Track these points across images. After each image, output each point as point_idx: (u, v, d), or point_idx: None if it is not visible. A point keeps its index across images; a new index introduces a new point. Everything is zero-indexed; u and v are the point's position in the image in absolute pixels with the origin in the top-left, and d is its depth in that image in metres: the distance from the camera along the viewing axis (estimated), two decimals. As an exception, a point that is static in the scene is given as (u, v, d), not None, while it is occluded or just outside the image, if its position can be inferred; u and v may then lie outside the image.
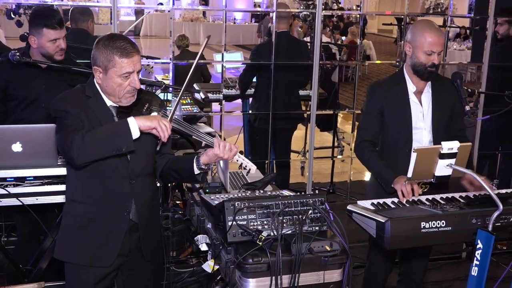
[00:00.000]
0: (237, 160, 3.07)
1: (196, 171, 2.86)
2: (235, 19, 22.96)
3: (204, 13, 22.53)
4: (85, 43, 4.86)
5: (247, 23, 22.55)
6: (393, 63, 7.46)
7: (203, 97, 5.87)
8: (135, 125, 2.57)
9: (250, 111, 5.92)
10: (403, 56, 3.94)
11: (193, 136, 3.00)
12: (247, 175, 3.28)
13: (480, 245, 2.75)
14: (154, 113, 2.87)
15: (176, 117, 2.95)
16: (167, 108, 3.08)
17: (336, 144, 7.41)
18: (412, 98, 3.42)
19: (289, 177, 5.90)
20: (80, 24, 5.20)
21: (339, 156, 7.52)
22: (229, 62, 6.37)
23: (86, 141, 2.56)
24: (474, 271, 2.79)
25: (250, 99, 6.06)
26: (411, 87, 3.42)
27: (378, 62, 13.52)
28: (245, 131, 6.14)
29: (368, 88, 3.57)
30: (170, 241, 4.25)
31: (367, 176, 7.24)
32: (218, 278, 3.97)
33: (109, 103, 2.82)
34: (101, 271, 2.90)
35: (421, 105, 3.42)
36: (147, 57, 4.68)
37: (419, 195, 3.15)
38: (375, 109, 3.45)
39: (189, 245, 4.65)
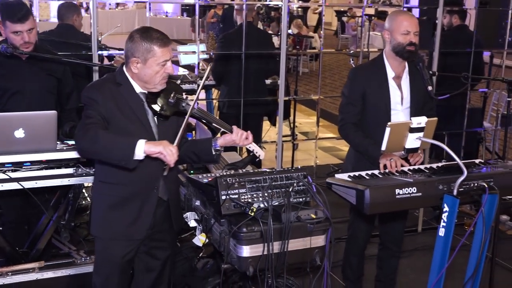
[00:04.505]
0: (249, 147, 3.29)
1: (213, 152, 3.17)
2: (166, 12, 22.80)
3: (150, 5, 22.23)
4: (71, 38, 5.02)
5: (179, 17, 22.41)
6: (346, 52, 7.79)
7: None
8: (141, 148, 2.74)
9: (214, 98, 6.12)
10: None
11: (213, 124, 3.26)
12: (257, 160, 3.54)
13: (446, 208, 3.07)
14: (185, 104, 3.09)
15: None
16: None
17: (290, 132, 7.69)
18: (391, 83, 3.73)
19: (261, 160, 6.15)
20: (65, 19, 5.34)
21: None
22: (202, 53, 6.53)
23: (95, 142, 2.78)
24: (442, 232, 3.11)
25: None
26: (390, 73, 3.74)
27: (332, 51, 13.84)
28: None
29: (350, 73, 3.90)
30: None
31: (321, 161, 7.61)
32: (200, 255, 4.23)
33: (138, 90, 3.04)
34: (130, 244, 3.14)
35: (401, 89, 3.74)
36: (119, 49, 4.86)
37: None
38: (357, 93, 3.75)
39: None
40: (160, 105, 3.04)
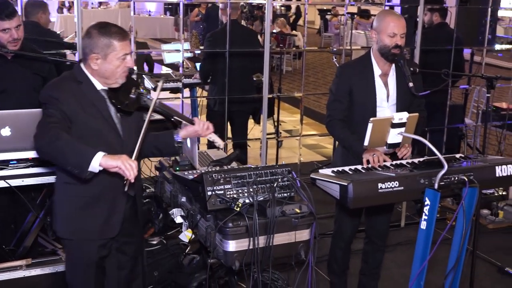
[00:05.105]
0: (210, 137, 3.34)
1: (175, 145, 3.23)
2: (149, 11, 22.71)
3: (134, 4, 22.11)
4: (36, 35, 5.01)
5: (162, 16, 22.36)
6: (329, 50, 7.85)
7: (153, 86, 6.08)
8: (97, 161, 2.64)
9: (198, 96, 6.18)
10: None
11: (174, 117, 3.30)
12: (218, 149, 3.58)
13: (428, 201, 3.12)
14: (149, 97, 3.11)
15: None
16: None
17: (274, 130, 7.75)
18: (377, 81, 3.79)
19: (247, 156, 6.23)
20: (31, 16, 5.33)
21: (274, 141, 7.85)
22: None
23: (53, 145, 2.69)
24: (423, 225, 3.17)
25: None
26: (376, 70, 3.79)
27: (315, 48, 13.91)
28: (194, 116, 6.44)
29: (338, 69, 3.98)
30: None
31: (305, 158, 7.68)
32: (186, 252, 4.27)
33: (99, 87, 3.02)
34: (103, 241, 3.15)
35: (387, 87, 3.80)
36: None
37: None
38: (343, 90, 3.81)
39: (151, 225, 4.91)
40: (122, 101, 3.04)
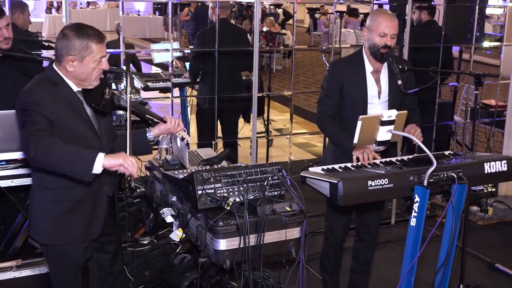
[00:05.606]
0: (179, 134, 3.39)
1: (148, 142, 3.30)
2: (138, 11, 22.66)
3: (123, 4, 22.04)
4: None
5: (151, 16, 22.34)
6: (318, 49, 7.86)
7: (142, 86, 6.09)
8: (100, 162, 2.65)
9: (188, 96, 6.19)
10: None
11: (146, 115, 3.33)
12: (187, 145, 3.60)
13: (417, 198, 3.15)
14: (120, 99, 3.15)
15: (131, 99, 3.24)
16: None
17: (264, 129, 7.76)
18: (369, 78, 3.79)
19: (237, 155, 6.23)
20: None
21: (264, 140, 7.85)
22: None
23: (50, 153, 2.64)
24: (413, 221, 3.19)
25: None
26: (368, 67, 3.79)
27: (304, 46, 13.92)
28: (184, 115, 6.46)
29: (330, 66, 4.01)
30: (126, 222, 4.47)
31: (295, 157, 7.69)
32: (177, 251, 4.27)
33: (75, 89, 2.99)
34: (86, 244, 3.13)
35: (379, 84, 3.80)
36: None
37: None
38: (335, 86, 3.81)
39: (142, 225, 4.90)
40: (99, 102, 3.05)
